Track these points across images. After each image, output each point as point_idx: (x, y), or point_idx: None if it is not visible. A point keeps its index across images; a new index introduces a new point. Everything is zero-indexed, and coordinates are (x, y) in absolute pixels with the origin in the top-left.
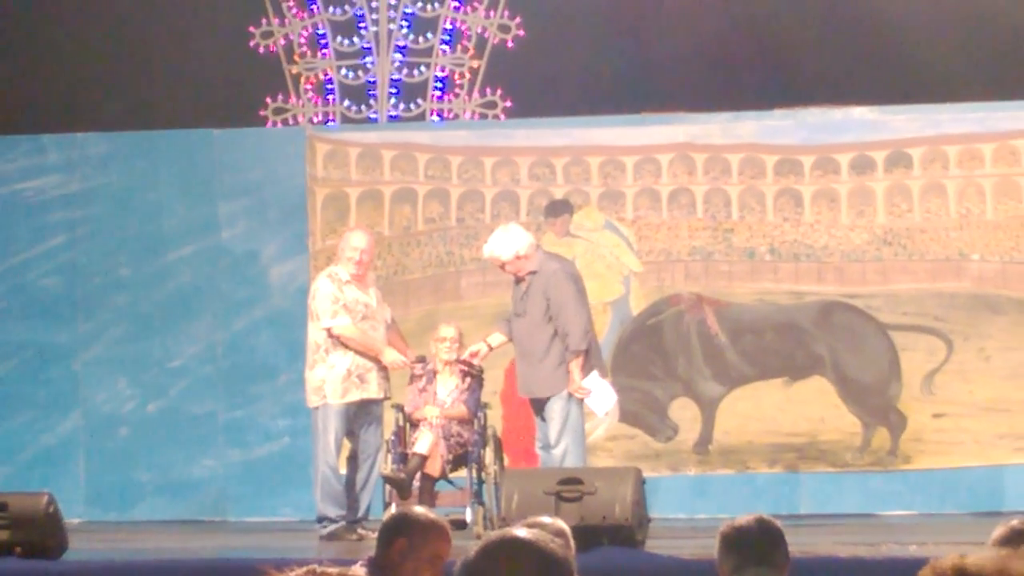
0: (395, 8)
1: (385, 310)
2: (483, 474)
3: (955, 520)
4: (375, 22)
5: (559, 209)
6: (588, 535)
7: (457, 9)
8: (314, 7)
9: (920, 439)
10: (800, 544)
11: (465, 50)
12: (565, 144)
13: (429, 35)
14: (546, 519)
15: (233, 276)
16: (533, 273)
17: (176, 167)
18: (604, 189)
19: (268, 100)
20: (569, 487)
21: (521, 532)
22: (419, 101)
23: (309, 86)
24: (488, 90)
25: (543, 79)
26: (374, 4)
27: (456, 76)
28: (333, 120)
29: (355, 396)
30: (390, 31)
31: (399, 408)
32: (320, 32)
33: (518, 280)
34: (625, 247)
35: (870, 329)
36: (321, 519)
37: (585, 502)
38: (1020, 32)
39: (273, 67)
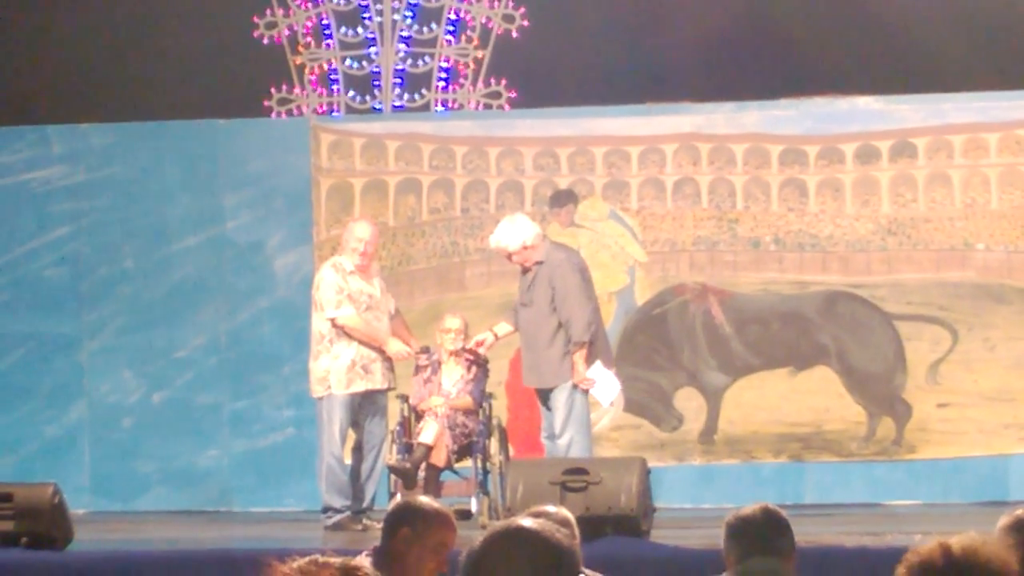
0: None
1: (389, 300)
2: (488, 464)
3: (960, 510)
4: (379, 12)
5: (564, 199)
6: (593, 525)
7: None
8: None
9: (925, 429)
10: (805, 534)
11: (469, 40)
12: (570, 134)
13: (433, 25)
14: (551, 508)
15: (238, 266)
16: (540, 263)
17: (180, 158)
18: (609, 179)
19: (272, 90)
20: (574, 477)
21: (526, 522)
22: (423, 91)
23: (313, 76)
24: (492, 80)
25: (547, 69)
26: None
27: (460, 66)
28: (337, 110)
29: (360, 387)
30: (394, 21)
31: (404, 398)
32: (324, 22)
33: (525, 270)
34: (630, 237)
35: (875, 319)
36: (326, 509)
37: (590, 492)
38: None
39: (277, 57)
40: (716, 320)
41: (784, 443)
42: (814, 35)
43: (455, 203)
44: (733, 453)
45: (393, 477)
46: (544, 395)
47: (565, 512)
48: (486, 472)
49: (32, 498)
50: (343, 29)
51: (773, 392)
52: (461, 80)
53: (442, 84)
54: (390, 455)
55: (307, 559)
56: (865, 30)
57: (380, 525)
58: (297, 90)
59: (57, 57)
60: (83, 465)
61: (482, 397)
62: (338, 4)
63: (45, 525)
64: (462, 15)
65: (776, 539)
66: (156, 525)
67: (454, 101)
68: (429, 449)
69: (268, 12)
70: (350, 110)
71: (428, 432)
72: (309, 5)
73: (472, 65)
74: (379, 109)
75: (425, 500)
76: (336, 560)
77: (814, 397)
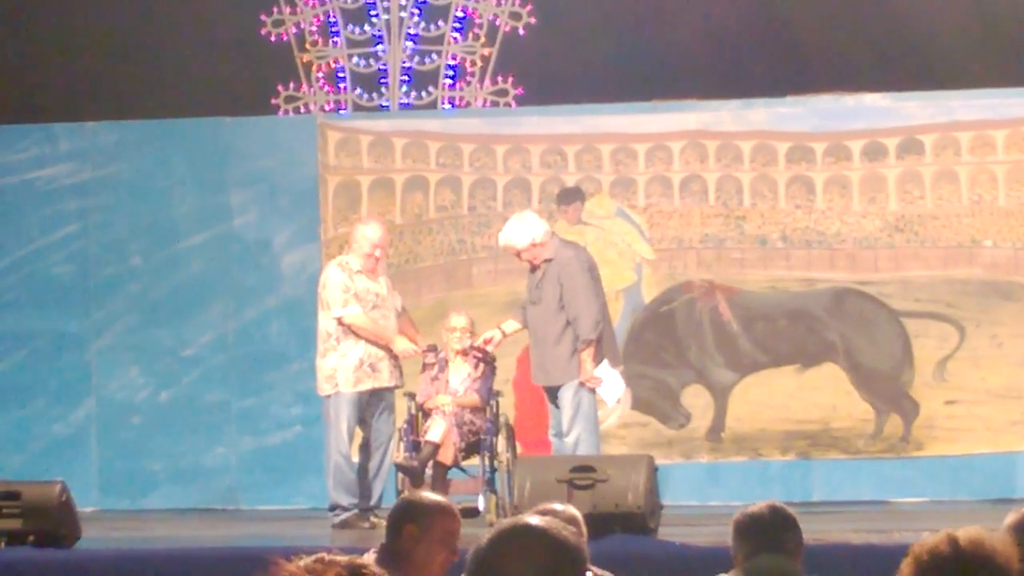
0: None
1: (396, 298)
2: (495, 462)
3: (967, 507)
4: (386, 10)
5: (571, 196)
6: (601, 523)
7: None
8: None
9: (932, 426)
10: (813, 531)
11: (476, 38)
12: (577, 131)
13: (440, 23)
14: (558, 506)
15: (245, 264)
16: (548, 261)
17: (188, 156)
18: (616, 176)
19: (280, 88)
20: (582, 475)
21: (533, 520)
22: (431, 89)
23: (321, 74)
24: (499, 78)
25: (554, 67)
26: None
27: (467, 64)
28: (345, 108)
29: (367, 385)
30: (401, 19)
31: (411, 396)
32: (331, 20)
33: (533, 268)
34: (637, 234)
35: (882, 316)
36: (333, 507)
37: (598, 490)
38: None
39: (285, 55)
40: (723, 317)
41: (791, 440)
42: (821, 32)
43: (462, 201)
44: (740, 450)
45: (400, 475)
46: (552, 393)
47: (572, 510)
48: (493, 470)
49: (40, 496)
50: (350, 27)
51: (780, 389)
52: (468, 78)
53: (449, 82)
54: (397, 453)
55: (313, 557)
56: (872, 27)
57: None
58: (304, 88)
59: (63, 55)
60: (91, 463)
61: (489, 395)
62: (345, 2)
63: (53, 523)
64: (469, 13)
65: (784, 537)
66: (163, 523)
67: (461, 99)
68: (436, 447)
69: (275, 10)
70: (357, 108)
71: (435, 430)
72: (316, 3)
73: (479, 63)
74: (386, 107)
75: (425, 495)
76: (342, 558)
77: (821, 394)
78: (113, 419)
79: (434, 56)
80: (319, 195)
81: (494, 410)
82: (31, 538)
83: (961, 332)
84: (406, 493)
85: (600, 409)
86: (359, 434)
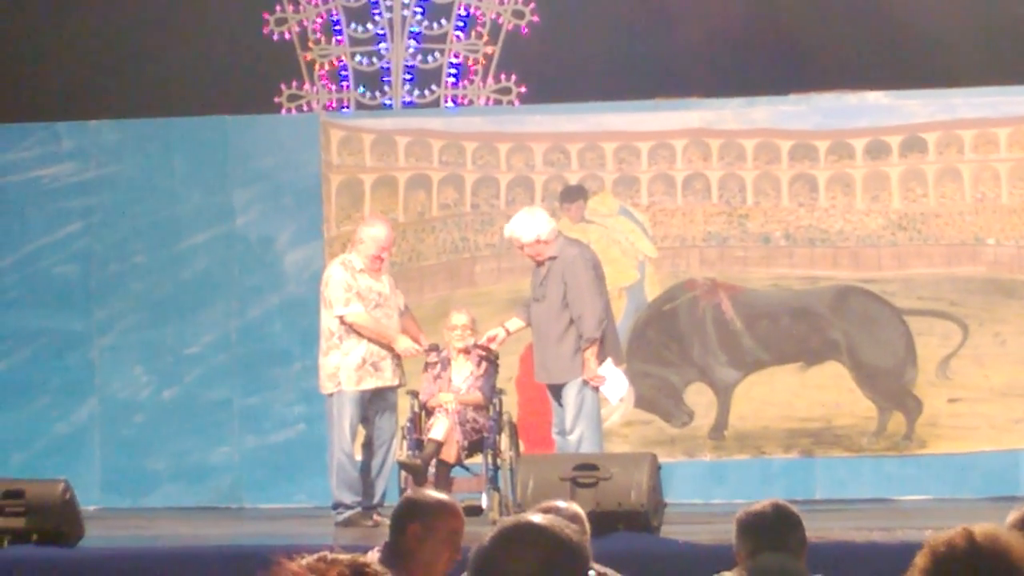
0: None
1: (399, 297)
2: (499, 460)
3: (971, 505)
4: (389, 8)
5: (574, 195)
6: (604, 521)
7: None
8: None
9: (935, 424)
10: (816, 529)
11: (479, 36)
12: (579, 130)
13: (443, 21)
14: (561, 504)
15: (248, 263)
16: (553, 259)
17: (190, 154)
18: (619, 175)
19: (282, 87)
20: (585, 473)
21: (536, 518)
22: (433, 87)
23: (323, 73)
24: (502, 76)
25: (557, 65)
26: None
27: (470, 62)
28: (347, 107)
29: (370, 384)
30: (404, 17)
31: (414, 394)
32: (334, 18)
33: (538, 264)
34: (640, 232)
35: (885, 314)
36: (336, 506)
37: (601, 488)
38: None
39: (287, 54)
40: (726, 315)
41: (794, 438)
42: (824, 30)
43: (465, 199)
44: (743, 449)
45: (404, 473)
46: (555, 391)
47: (576, 508)
48: (496, 468)
49: (43, 495)
50: (353, 25)
51: (783, 387)
52: (471, 76)
53: (452, 80)
54: (400, 451)
55: (316, 556)
56: (874, 25)
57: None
58: (307, 86)
59: (67, 54)
60: (94, 462)
61: (492, 393)
62: (348, 1)
63: (56, 522)
64: (472, 11)
65: (787, 535)
66: (166, 522)
67: (464, 97)
68: (439, 445)
69: (278, 8)
70: (360, 106)
71: (438, 428)
72: (319, 1)
73: (482, 61)
74: (389, 105)
75: (428, 493)
76: (345, 557)
77: (824, 392)
78: (116, 418)
79: (437, 54)
80: (322, 193)
81: (497, 408)
82: (34, 537)
83: (964, 330)
84: (409, 492)
85: (603, 407)
86: (362, 432)
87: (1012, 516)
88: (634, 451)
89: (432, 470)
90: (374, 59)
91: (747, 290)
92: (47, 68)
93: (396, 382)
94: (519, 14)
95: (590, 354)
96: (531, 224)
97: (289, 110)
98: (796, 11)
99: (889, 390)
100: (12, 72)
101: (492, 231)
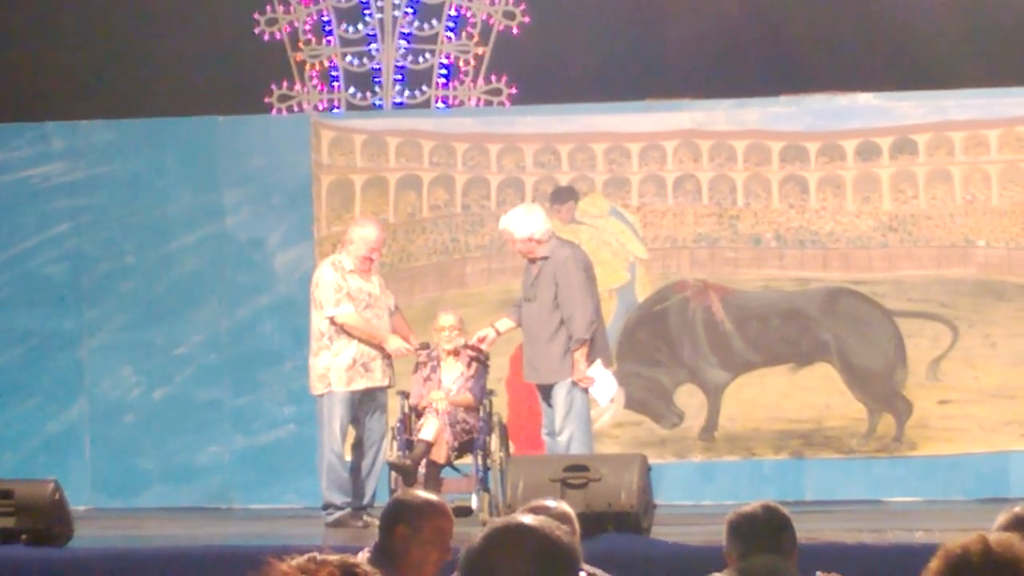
0: None
1: (389, 297)
2: (488, 461)
3: (960, 506)
4: (380, 9)
5: (564, 196)
6: (594, 522)
7: None
8: None
9: (926, 425)
10: (806, 530)
11: (470, 37)
12: (570, 131)
13: (434, 22)
14: (550, 503)
15: (238, 263)
16: (545, 259)
17: (181, 155)
18: (609, 176)
19: (273, 87)
20: (575, 474)
21: (526, 519)
22: (424, 88)
23: (314, 73)
24: (493, 77)
25: (548, 66)
26: None
27: (461, 63)
28: (338, 107)
29: (360, 384)
30: (395, 18)
31: (404, 395)
32: (325, 19)
33: (531, 261)
34: (630, 234)
35: (876, 316)
36: (326, 506)
37: (591, 489)
38: None
39: (278, 54)
40: (717, 317)
41: (785, 440)
42: (814, 32)
43: (456, 200)
44: (734, 450)
45: (394, 474)
46: (545, 391)
47: (565, 507)
48: (486, 469)
49: (32, 495)
50: (344, 26)
51: (774, 389)
52: (462, 77)
53: (443, 81)
54: (391, 452)
55: (306, 557)
56: (865, 27)
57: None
58: (298, 87)
59: (57, 54)
60: (83, 462)
61: (482, 394)
62: (339, 1)
63: (45, 522)
64: (463, 12)
65: (778, 537)
66: (156, 522)
67: (455, 98)
68: (429, 446)
69: (269, 9)
70: (351, 107)
71: (428, 429)
72: (310, 2)
73: (473, 62)
74: (380, 106)
75: (416, 494)
76: (334, 558)
77: (815, 394)
78: (106, 418)
79: (427, 55)
80: (312, 194)
81: (487, 409)
82: (24, 537)
83: (954, 332)
84: (399, 492)
85: (593, 408)
86: (352, 433)
87: (1001, 518)
88: (624, 452)
89: (422, 471)
90: (365, 60)
91: (737, 291)
92: (37, 68)
93: (386, 383)
94: (510, 15)
95: (580, 355)
96: (526, 221)
97: (280, 110)
98: (787, 13)
99: (879, 392)
100: (2, 72)
101: (483, 232)
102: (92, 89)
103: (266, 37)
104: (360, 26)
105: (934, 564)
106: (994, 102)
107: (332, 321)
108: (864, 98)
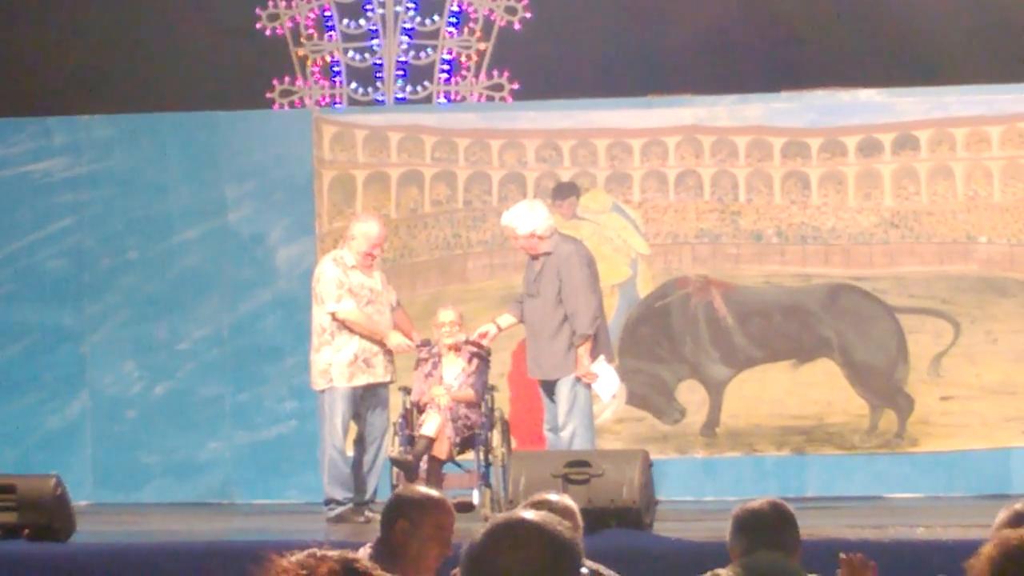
0: None
1: (391, 293)
2: (490, 456)
3: (962, 503)
4: (382, 4)
5: (566, 191)
6: (596, 518)
7: None
8: None
9: (927, 422)
10: (807, 526)
11: (472, 32)
12: (572, 126)
13: (436, 17)
14: (553, 497)
15: (240, 258)
16: (548, 255)
17: (182, 150)
18: (611, 171)
19: (275, 82)
20: (577, 469)
21: (528, 514)
22: (426, 83)
23: (316, 68)
24: (495, 72)
25: (550, 61)
26: None
27: (463, 58)
28: (340, 102)
29: (362, 380)
30: (397, 13)
31: (406, 391)
32: (327, 14)
33: (533, 257)
34: (632, 229)
35: (877, 312)
36: (328, 502)
37: (593, 485)
38: None
39: (280, 49)
40: (718, 313)
41: (786, 436)
42: (816, 28)
43: (457, 195)
44: (735, 446)
45: (395, 469)
46: (548, 387)
47: (568, 501)
48: (488, 464)
49: (34, 490)
50: (345, 21)
51: (775, 385)
52: (463, 72)
53: (444, 76)
54: (392, 447)
55: (306, 553)
56: (867, 23)
57: None
58: (299, 82)
59: (58, 49)
60: (85, 457)
61: (484, 389)
62: None
63: (47, 517)
64: (464, 7)
65: (783, 533)
66: (158, 517)
67: (456, 93)
68: (431, 441)
69: (270, 4)
70: (352, 102)
71: (430, 424)
72: None
73: (474, 57)
74: (381, 101)
75: (417, 489)
76: (334, 553)
77: (816, 390)
78: (108, 413)
79: (429, 51)
80: (314, 189)
81: (489, 405)
82: (26, 532)
83: (956, 328)
84: (400, 488)
85: (595, 404)
86: (353, 428)
87: (1002, 514)
88: (626, 448)
89: (424, 466)
90: (367, 55)
91: (739, 287)
92: (39, 63)
93: (388, 378)
94: (512, 10)
95: (583, 351)
96: (529, 217)
97: (282, 106)
98: (789, 8)
99: (881, 388)
100: (3, 67)
101: (484, 227)
102: (94, 84)
103: (268, 32)
104: (362, 21)
105: (989, 549)
106: (996, 98)
107: (333, 317)
108: (866, 94)
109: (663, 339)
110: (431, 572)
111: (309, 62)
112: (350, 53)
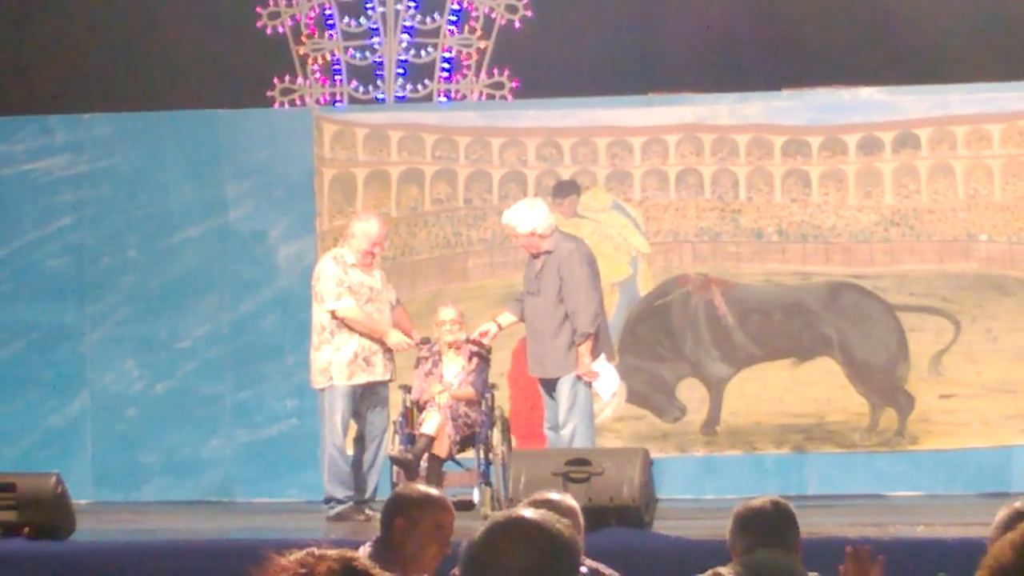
0: None
1: (390, 291)
2: (490, 455)
3: (962, 501)
4: (382, 2)
5: (567, 190)
6: (596, 516)
7: None
8: None
9: (927, 420)
10: (807, 525)
11: (472, 30)
12: (572, 125)
13: (436, 15)
14: (555, 495)
15: (240, 257)
16: (548, 253)
17: (183, 148)
18: (611, 170)
19: (275, 81)
20: (577, 468)
21: (527, 512)
22: (426, 82)
23: (316, 67)
24: (495, 71)
25: (550, 60)
26: None
27: (463, 57)
28: (340, 101)
29: (362, 379)
30: (397, 11)
31: (406, 389)
32: (327, 12)
33: (534, 256)
34: (633, 228)
35: (878, 310)
36: (328, 500)
37: (593, 483)
38: None
39: (280, 48)
40: (719, 311)
41: (787, 434)
42: (817, 26)
43: (458, 193)
44: (735, 444)
45: (395, 468)
46: (548, 385)
47: (570, 500)
48: (488, 463)
49: (35, 488)
50: (346, 19)
51: (776, 383)
52: (464, 70)
53: (445, 74)
54: (392, 446)
55: (305, 551)
56: (868, 21)
57: None
58: (300, 80)
59: (60, 47)
60: (85, 455)
61: (484, 388)
62: None
63: (48, 515)
64: (465, 5)
65: (785, 532)
66: (158, 515)
67: (457, 91)
68: (431, 440)
69: (271, 2)
70: (353, 100)
71: (430, 423)
72: None
73: (475, 55)
74: (382, 99)
75: (415, 487)
76: (333, 552)
77: (817, 388)
78: (108, 411)
79: (430, 49)
80: (315, 188)
81: (489, 403)
82: (26, 530)
83: (956, 326)
84: (400, 486)
85: (595, 402)
86: (353, 427)
87: (1002, 513)
88: (626, 446)
89: (424, 465)
90: (367, 53)
91: (740, 285)
92: (40, 61)
93: (387, 377)
94: (512, 8)
95: (584, 349)
96: (529, 216)
97: (282, 104)
98: (789, 6)
99: (881, 386)
100: (5, 65)
101: (485, 226)
102: (95, 83)
103: (268, 31)
104: (362, 20)
105: (1013, 537)
106: (996, 96)
107: (333, 315)
108: (866, 92)
109: (663, 337)
110: (430, 571)
111: (310, 60)
112: (350, 51)
